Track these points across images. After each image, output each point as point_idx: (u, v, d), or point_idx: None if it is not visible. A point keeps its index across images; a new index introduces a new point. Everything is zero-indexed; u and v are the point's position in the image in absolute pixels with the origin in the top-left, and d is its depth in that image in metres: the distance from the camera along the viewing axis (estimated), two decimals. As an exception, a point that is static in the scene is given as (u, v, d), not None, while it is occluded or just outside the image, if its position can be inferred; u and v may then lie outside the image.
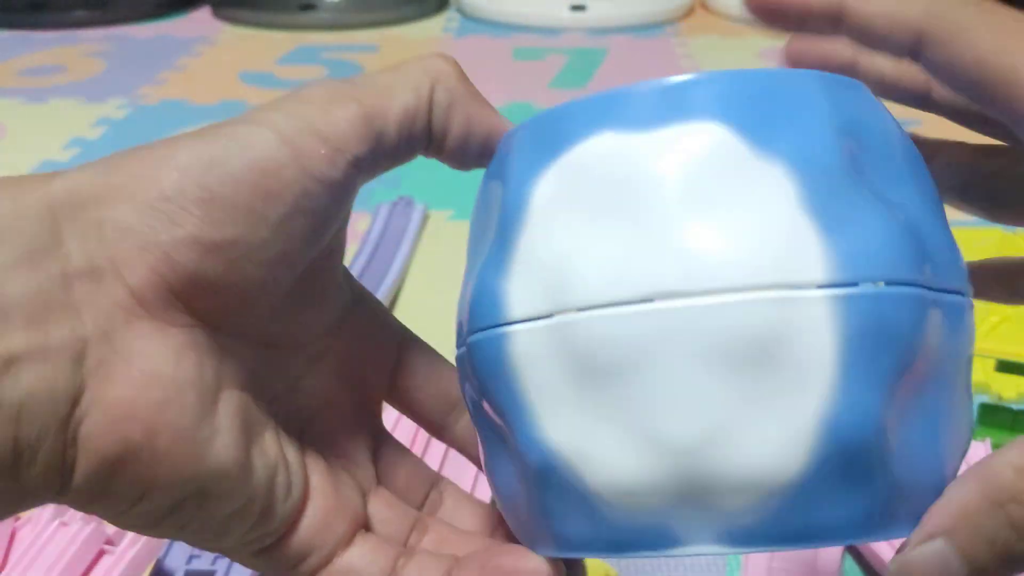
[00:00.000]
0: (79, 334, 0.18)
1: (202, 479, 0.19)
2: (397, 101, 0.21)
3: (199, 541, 0.21)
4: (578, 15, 1.19)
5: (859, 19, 0.20)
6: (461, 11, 1.27)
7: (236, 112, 0.92)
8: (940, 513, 0.18)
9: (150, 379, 0.18)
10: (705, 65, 1.06)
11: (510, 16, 1.20)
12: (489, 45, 1.14)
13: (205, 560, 0.39)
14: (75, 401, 0.18)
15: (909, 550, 0.18)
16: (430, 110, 0.22)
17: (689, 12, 1.26)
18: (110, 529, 0.40)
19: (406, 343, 0.26)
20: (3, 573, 0.37)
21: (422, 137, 0.22)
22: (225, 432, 0.20)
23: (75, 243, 0.18)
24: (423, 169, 0.82)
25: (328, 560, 0.22)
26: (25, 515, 0.40)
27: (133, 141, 0.87)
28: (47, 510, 0.40)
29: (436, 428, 0.26)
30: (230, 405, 0.20)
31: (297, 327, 0.23)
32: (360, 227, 0.70)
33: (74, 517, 0.39)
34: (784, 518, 0.18)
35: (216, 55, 1.12)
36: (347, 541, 0.23)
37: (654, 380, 0.18)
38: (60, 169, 0.19)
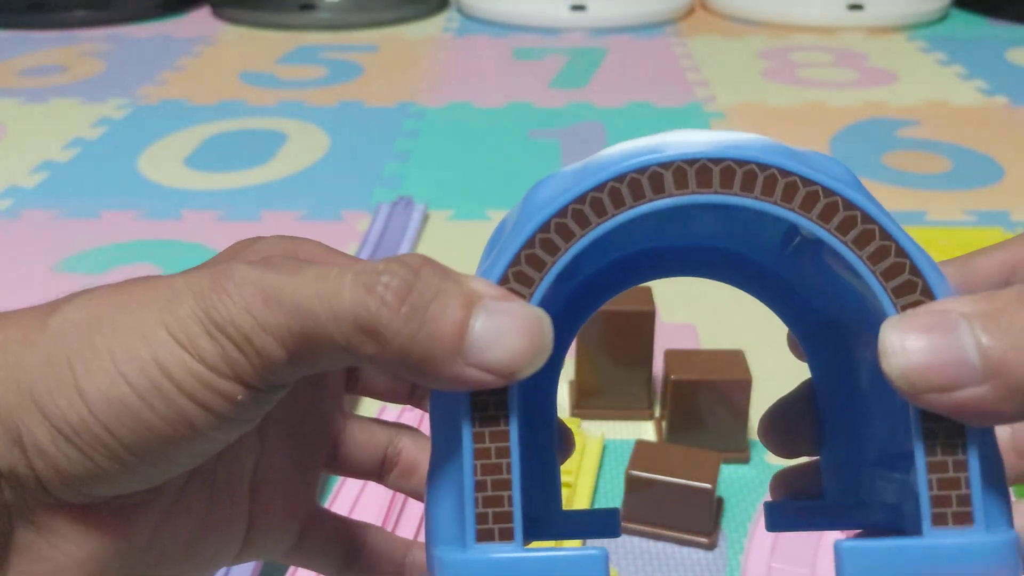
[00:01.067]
0: (9, 522, 0.19)
1: None
2: (327, 330, 0.18)
3: None
4: (578, 15, 1.19)
5: None
6: (461, 11, 1.27)
7: (235, 112, 0.92)
8: (957, 300, 0.17)
9: (72, 561, 0.19)
10: (705, 65, 1.06)
11: (510, 16, 1.20)
12: (489, 45, 1.14)
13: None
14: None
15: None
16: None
17: (689, 12, 1.26)
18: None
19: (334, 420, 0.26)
20: None
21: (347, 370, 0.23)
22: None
23: (1, 446, 0.18)
24: (423, 169, 0.82)
25: None
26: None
27: (133, 141, 0.88)
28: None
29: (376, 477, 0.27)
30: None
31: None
32: (360, 227, 0.70)
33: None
34: None
35: (216, 55, 1.12)
36: None
37: None
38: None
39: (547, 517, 0.22)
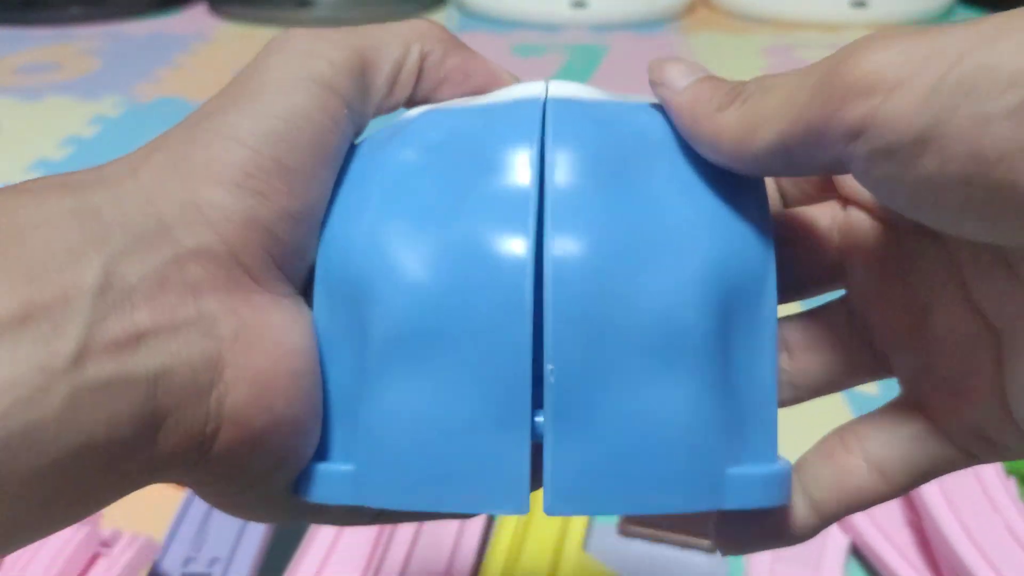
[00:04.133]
0: (205, 310, 0.18)
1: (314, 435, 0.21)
2: (388, 54, 0.23)
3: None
4: (578, 12, 1.18)
5: None
6: (460, 7, 1.26)
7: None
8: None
9: (284, 351, 0.19)
10: (707, 63, 1.05)
11: (510, 12, 1.19)
12: (488, 41, 1.14)
13: (201, 563, 0.39)
14: (216, 373, 0.18)
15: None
16: (421, 62, 0.23)
17: (690, 9, 1.25)
18: (105, 532, 0.39)
19: None
20: (-4, 577, 0.37)
21: (408, 89, 0.23)
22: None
23: (180, 226, 0.19)
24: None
25: None
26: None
27: (128, 139, 0.87)
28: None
29: None
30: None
31: None
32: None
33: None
34: None
35: (212, 52, 1.11)
36: None
37: None
38: (113, 161, 0.20)
39: None
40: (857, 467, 0.21)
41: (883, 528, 0.41)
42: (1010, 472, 0.43)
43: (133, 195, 0.19)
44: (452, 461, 0.18)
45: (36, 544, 0.37)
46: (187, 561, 0.39)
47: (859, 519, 0.41)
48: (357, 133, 0.23)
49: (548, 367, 0.18)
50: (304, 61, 0.21)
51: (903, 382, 0.22)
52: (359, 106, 0.22)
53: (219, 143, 0.19)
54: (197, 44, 1.14)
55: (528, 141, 0.20)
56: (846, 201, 0.23)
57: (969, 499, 0.40)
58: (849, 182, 0.22)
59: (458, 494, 0.18)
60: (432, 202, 0.20)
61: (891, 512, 0.42)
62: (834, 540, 0.41)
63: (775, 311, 0.21)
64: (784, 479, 0.20)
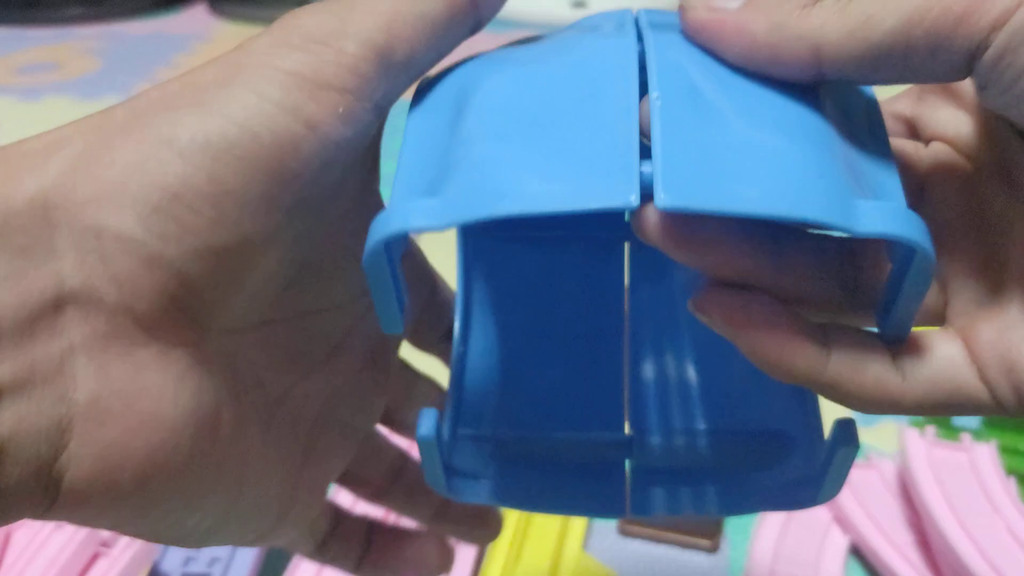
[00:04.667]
0: (68, 368, 0.15)
1: (198, 506, 0.18)
2: (415, 8, 0.18)
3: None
4: (578, 12, 1.18)
5: None
6: (459, 8, 1.26)
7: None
8: None
9: (145, 421, 0.16)
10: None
11: (510, 13, 1.19)
12: (488, 41, 1.14)
13: (201, 563, 0.39)
14: (60, 444, 0.15)
15: None
16: None
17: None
18: (106, 532, 0.39)
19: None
20: (-3, 577, 0.37)
21: (464, 28, 0.20)
22: (225, 459, 0.18)
23: (71, 257, 0.15)
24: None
25: None
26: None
27: (128, 139, 0.87)
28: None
29: None
30: (230, 427, 0.18)
31: (313, 301, 0.21)
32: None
33: (69, 520, 0.39)
34: None
35: (212, 52, 1.11)
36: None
37: None
38: (38, 136, 0.17)
39: None
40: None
41: (883, 528, 0.41)
42: (1010, 472, 0.43)
43: (31, 200, 0.15)
44: (560, 156, 0.16)
45: (37, 544, 0.37)
46: (187, 561, 0.39)
47: (859, 519, 0.41)
48: (380, 119, 0.19)
49: (654, 94, 0.17)
50: (297, 46, 0.17)
51: (953, 313, 0.20)
52: (388, 91, 0.18)
53: (150, 146, 0.16)
54: (197, 44, 1.14)
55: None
56: (928, 139, 0.21)
57: (969, 499, 0.40)
58: (933, 120, 0.21)
59: (563, 188, 0.16)
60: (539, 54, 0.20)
61: (891, 512, 0.42)
62: (834, 540, 0.41)
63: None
64: (920, 222, 0.17)
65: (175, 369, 0.17)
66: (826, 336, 0.18)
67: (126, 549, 0.38)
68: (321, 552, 0.25)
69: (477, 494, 0.24)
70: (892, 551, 0.40)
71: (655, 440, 0.26)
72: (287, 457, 0.21)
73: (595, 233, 0.26)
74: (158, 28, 1.21)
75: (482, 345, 0.26)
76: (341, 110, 0.17)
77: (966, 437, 0.44)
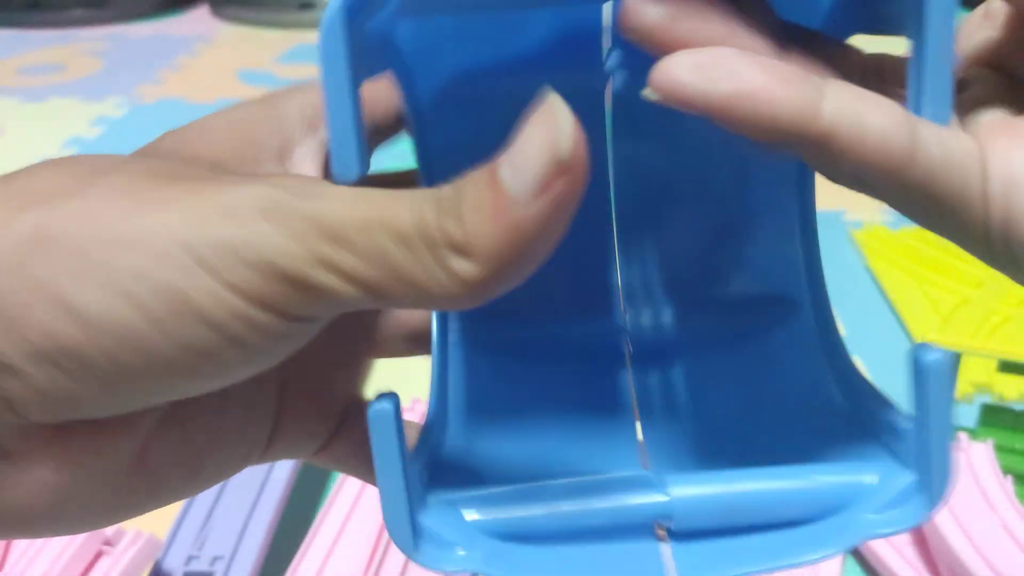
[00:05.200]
0: None
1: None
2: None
3: None
4: None
5: None
6: (460, 10, 1.27)
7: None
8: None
9: (47, 489, 0.17)
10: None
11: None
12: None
13: (204, 561, 0.39)
14: None
15: None
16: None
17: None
18: (108, 530, 0.40)
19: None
20: (1, 574, 0.37)
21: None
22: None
23: None
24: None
25: None
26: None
27: (131, 140, 0.87)
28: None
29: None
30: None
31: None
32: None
33: (72, 518, 0.39)
34: None
35: (214, 54, 1.11)
36: None
37: None
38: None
39: None
40: None
41: (881, 527, 0.41)
42: (1006, 470, 0.43)
43: None
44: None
45: (39, 542, 0.37)
46: (189, 559, 0.39)
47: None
48: None
49: None
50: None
51: (975, 126, 0.18)
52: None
53: (53, 300, 0.15)
54: (199, 46, 1.14)
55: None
56: None
57: (966, 499, 0.40)
58: None
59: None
60: None
61: (889, 511, 0.42)
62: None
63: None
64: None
65: (72, 457, 0.17)
66: (821, 81, 0.16)
67: (128, 547, 0.38)
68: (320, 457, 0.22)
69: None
70: (889, 549, 0.40)
71: (647, 322, 0.24)
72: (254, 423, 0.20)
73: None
74: (161, 30, 1.21)
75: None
76: (277, 330, 0.16)
77: (963, 436, 0.44)
